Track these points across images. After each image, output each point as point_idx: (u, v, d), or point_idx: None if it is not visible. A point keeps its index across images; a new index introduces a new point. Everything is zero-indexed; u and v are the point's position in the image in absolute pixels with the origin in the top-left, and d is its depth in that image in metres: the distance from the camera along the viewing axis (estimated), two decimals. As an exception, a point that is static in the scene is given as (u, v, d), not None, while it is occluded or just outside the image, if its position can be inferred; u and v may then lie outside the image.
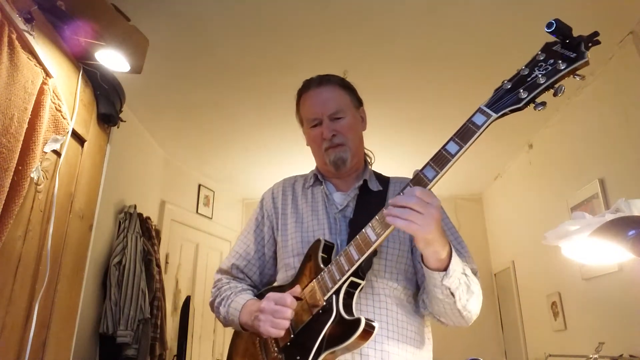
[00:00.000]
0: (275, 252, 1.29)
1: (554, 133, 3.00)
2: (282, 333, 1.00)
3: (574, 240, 1.17)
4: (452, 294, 0.97)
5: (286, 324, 1.00)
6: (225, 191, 4.45)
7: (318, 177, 1.29)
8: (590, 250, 1.19)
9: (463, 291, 0.99)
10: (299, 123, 1.33)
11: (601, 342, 2.19)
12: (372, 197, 1.20)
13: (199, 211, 4.04)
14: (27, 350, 1.42)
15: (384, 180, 1.27)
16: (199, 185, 4.10)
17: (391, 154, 3.50)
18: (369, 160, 1.35)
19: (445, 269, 0.95)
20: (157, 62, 2.35)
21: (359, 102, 1.30)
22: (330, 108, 1.20)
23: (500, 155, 3.58)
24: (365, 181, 1.24)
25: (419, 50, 2.38)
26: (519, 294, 3.64)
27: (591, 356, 2.14)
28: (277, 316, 0.99)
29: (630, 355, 2.10)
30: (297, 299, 1.03)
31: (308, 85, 1.27)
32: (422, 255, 0.97)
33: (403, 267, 1.14)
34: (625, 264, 2.14)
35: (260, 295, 1.21)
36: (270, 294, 1.04)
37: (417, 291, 1.16)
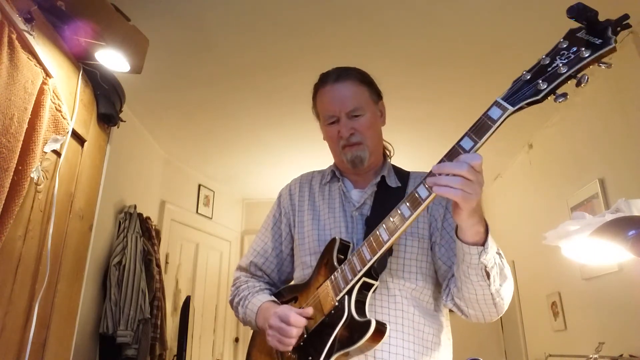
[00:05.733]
0: (292, 250, 1.28)
1: (554, 133, 3.00)
2: (289, 348, 1.01)
3: (574, 240, 1.17)
4: (488, 274, 0.93)
5: (292, 341, 1.01)
6: (225, 191, 4.45)
7: (335, 174, 1.27)
8: (590, 250, 1.19)
9: (497, 273, 0.95)
10: (316, 117, 1.28)
11: (601, 342, 2.19)
12: (391, 194, 1.16)
13: (199, 211, 4.04)
14: (27, 350, 1.42)
15: (403, 175, 1.24)
16: (199, 185, 4.10)
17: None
18: (388, 154, 1.31)
19: (483, 243, 0.91)
20: (157, 62, 2.34)
21: (378, 96, 1.24)
22: (348, 106, 1.15)
23: (500, 155, 3.58)
24: (383, 177, 1.20)
25: (419, 50, 2.38)
26: (519, 293, 3.64)
27: (591, 356, 2.14)
28: (282, 334, 1.01)
29: (630, 355, 2.10)
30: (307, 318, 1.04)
31: (325, 80, 1.21)
32: (457, 229, 0.94)
33: (423, 264, 1.11)
34: (625, 264, 2.14)
35: (278, 294, 1.22)
36: (278, 310, 1.05)
37: (436, 290, 1.13)
